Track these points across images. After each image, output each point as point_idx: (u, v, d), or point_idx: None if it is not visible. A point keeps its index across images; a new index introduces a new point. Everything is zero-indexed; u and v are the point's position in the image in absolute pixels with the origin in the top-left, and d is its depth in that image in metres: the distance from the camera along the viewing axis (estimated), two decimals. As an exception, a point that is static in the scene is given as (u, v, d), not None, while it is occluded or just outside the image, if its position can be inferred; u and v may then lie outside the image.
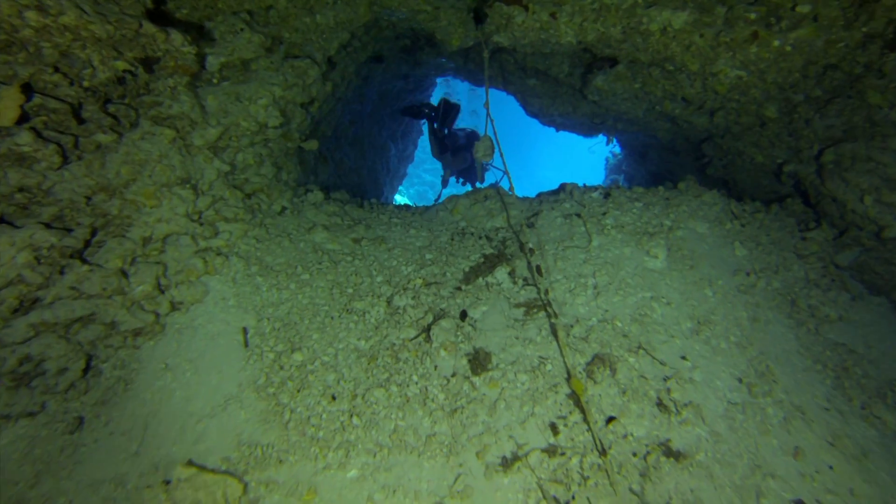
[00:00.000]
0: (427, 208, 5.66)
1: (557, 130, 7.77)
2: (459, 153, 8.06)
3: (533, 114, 7.12)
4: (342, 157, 8.58)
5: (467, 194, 5.34)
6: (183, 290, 3.35)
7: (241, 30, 3.74)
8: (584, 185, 5.36)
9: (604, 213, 4.61)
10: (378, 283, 4.11)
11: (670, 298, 3.90)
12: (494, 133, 4.57)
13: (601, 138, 9.59)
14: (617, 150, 15.02)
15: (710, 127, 5.28)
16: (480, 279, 4.11)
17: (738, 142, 5.22)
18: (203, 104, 3.79)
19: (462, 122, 9.60)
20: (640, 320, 3.73)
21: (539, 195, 5.45)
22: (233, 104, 4.00)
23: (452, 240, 4.73)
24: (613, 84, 5.18)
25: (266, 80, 4.24)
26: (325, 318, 3.78)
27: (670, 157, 8.29)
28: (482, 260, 4.33)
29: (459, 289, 4.06)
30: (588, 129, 7.12)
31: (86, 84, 2.57)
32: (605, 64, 5.27)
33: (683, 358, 3.50)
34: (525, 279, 4.12)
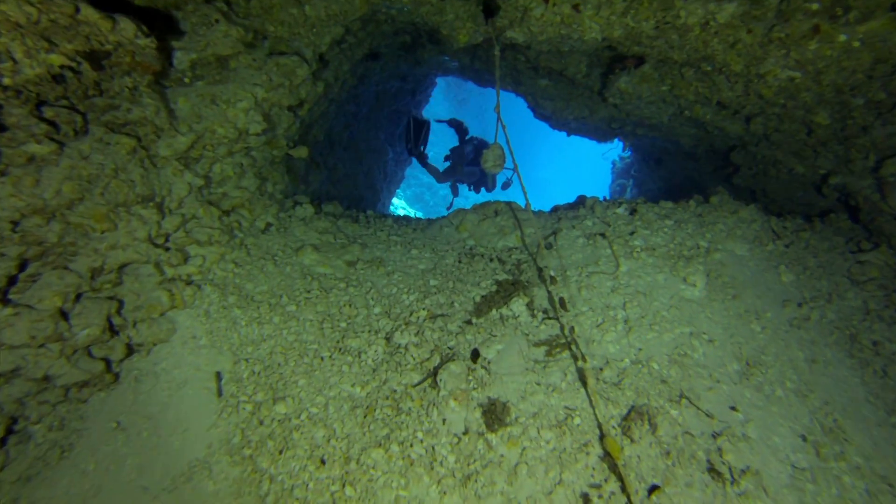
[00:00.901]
0: (430, 223, 5.14)
1: (569, 135, 7.27)
2: (468, 167, 7.58)
3: (544, 117, 6.61)
4: (336, 162, 8.05)
5: (475, 209, 4.82)
6: (143, 330, 2.82)
7: (216, 21, 3.22)
8: (605, 199, 4.85)
9: (631, 233, 4.10)
10: (376, 316, 3.59)
11: (712, 335, 3.39)
12: (507, 141, 4.07)
13: (614, 143, 9.11)
14: (625, 153, 14.57)
15: (743, 134, 4.78)
16: (494, 311, 3.60)
17: (776, 150, 4.72)
18: (172, 108, 3.26)
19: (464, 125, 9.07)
20: (679, 361, 3.22)
21: (556, 210, 4.94)
22: (208, 108, 3.47)
23: (460, 262, 4.21)
24: (638, 86, 4.67)
25: (247, 79, 3.71)
26: (314, 358, 3.25)
27: (688, 164, 7.80)
28: (495, 287, 3.81)
29: (470, 322, 3.54)
30: (603, 135, 6.62)
31: (6, 82, 2.05)
32: (628, 63, 4.76)
33: (733, 409, 2.99)
34: (545, 311, 3.61)
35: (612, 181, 14.31)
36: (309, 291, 3.69)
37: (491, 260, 4.20)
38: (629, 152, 12.80)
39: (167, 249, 3.09)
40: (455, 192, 8.89)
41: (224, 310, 3.36)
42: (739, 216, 4.35)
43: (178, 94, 3.32)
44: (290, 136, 4.56)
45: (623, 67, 4.75)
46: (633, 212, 4.38)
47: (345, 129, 8.06)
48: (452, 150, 8.01)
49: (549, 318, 3.52)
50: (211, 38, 3.23)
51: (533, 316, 3.55)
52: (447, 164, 8.11)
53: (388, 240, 4.58)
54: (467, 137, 8.14)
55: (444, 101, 35.47)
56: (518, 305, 3.58)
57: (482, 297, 3.76)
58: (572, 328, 3.25)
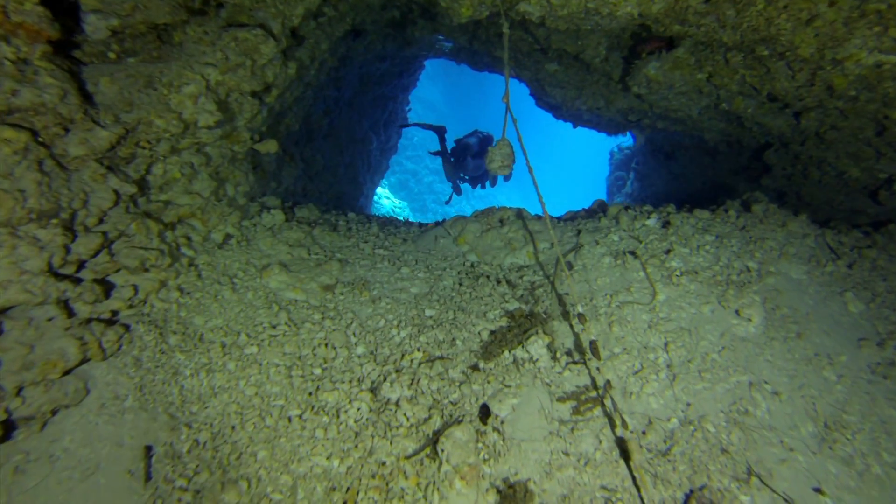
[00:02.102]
0: (422, 231, 4.43)
1: (575, 126, 6.58)
2: (473, 161, 7.11)
3: (550, 106, 5.92)
4: (314, 154, 7.27)
5: (477, 216, 4.12)
6: (34, 396, 2.08)
7: (148, -22, 2.44)
8: (626, 205, 4.19)
9: (667, 251, 3.44)
10: (359, 359, 2.88)
11: (777, 385, 2.76)
12: (519, 139, 3.36)
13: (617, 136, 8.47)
14: (625, 143, 13.91)
15: (788, 131, 4.14)
16: (506, 352, 2.92)
17: (826, 151, 4.09)
18: (89, 91, 2.49)
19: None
20: (740, 422, 2.59)
21: (572, 218, 4.26)
22: (142, 92, 2.70)
23: (461, 285, 3.52)
24: (670, 74, 3.99)
25: (196, 57, 2.94)
26: (280, 420, 2.55)
27: (704, 160, 7.18)
28: (506, 320, 3.13)
29: (477, 368, 2.86)
30: (616, 128, 5.96)
31: None
32: (655, 46, 4.07)
33: (818, 491, 2.37)
34: (569, 352, 2.94)
35: (610, 173, 13.66)
36: (275, 326, 2.97)
37: (498, 282, 3.51)
38: (632, 142, 12.15)
39: (78, 282, 2.34)
40: (458, 191, 8.34)
41: (162, 355, 2.63)
42: (790, 230, 3.72)
43: (100, 74, 2.55)
44: (256, 128, 3.80)
45: (652, 51, 4.06)
46: (665, 224, 3.72)
47: (324, 116, 7.27)
48: (457, 144, 7.46)
49: (575, 363, 2.86)
50: (140, 0, 2.46)
51: (555, 359, 2.88)
52: (451, 160, 7.63)
53: (373, 254, 3.87)
54: (471, 132, 7.66)
55: (431, 86, 34.50)
56: (536, 346, 2.90)
57: (490, 332, 3.08)
58: (607, 382, 2.59)
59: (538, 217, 4.11)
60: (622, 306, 3.12)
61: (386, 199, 25.58)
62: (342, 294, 3.33)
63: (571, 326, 2.99)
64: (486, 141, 7.45)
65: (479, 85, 37.99)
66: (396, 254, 3.92)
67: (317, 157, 7.37)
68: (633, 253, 3.45)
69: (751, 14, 2.97)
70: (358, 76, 8.19)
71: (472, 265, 3.79)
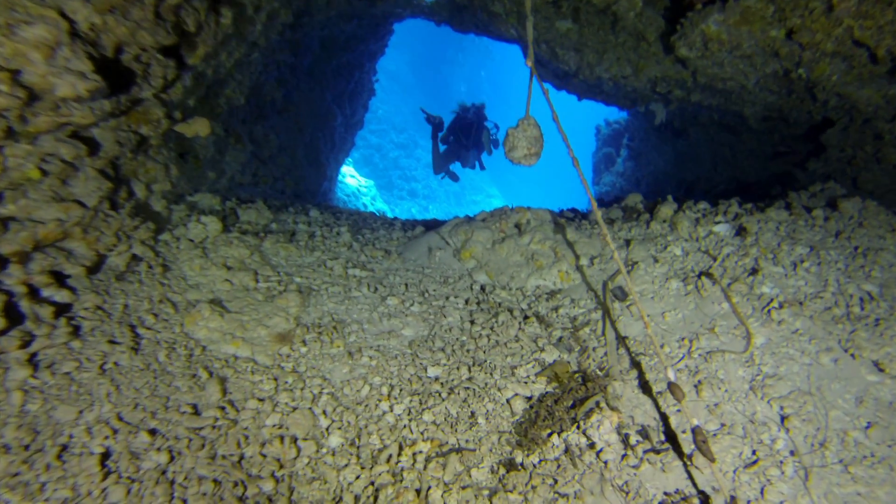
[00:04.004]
0: (411, 237, 3.44)
1: (581, 99, 5.62)
2: (468, 139, 6.83)
3: (557, 75, 4.93)
4: (267, 133, 6.10)
5: (485, 220, 3.15)
6: None
7: None
8: (688, 205, 3.28)
9: (752, 271, 2.55)
10: (332, 458, 1.90)
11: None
12: (553, 115, 2.39)
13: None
14: (612, 117, 13.03)
15: (878, 102, 3.29)
16: (555, 437, 1.99)
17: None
18: None
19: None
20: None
21: (611, 221, 3.31)
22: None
23: (472, 322, 2.56)
24: (737, 30, 3.07)
25: (56, -15, 1.84)
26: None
27: (723, 138, 6.35)
28: (544, 379, 2.20)
29: (513, 464, 1.92)
30: (635, 101, 5.02)
31: None
32: (711, -6, 3.13)
33: None
34: (642, 430, 2.03)
35: (597, 150, 12.79)
36: (199, 412, 1.95)
37: (525, 318, 2.56)
38: (622, 116, 11.27)
39: None
40: (455, 178, 7.87)
41: None
42: (897, 235, 2.89)
43: None
44: (176, 102, 2.70)
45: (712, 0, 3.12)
46: (739, 231, 2.83)
47: (278, 86, 6.09)
48: (453, 124, 7.12)
49: (656, 451, 1.95)
50: None
51: (628, 446, 1.96)
52: (444, 145, 6.97)
53: (346, 276, 2.86)
54: (467, 105, 7.31)
55: (398, 56, 32.85)
56: (601, 428, 1.98)
57: (525, 400, 2.14)
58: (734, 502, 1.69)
59: (565, 218, 3.17)
60: (709, 357, 2.22)
61: (351, 178, 24.17)
62: (304, 345, 2.32)
63: (655, 402, 2.07)
64: (480, 113, 6.77)
65: (449, 56, 36.48)
66: (378, 274, 2.92)
67: (270, 136, 6.21)
68: (707, 275, 2.54)
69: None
70: (319, 39, 6.99)
71: (482, 290, 2.83)
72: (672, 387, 1.84)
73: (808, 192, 3.64)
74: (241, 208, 3.36)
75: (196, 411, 1.93)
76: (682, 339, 2.33)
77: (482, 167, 7.74)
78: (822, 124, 4.48)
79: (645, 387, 2.17)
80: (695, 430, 1.77)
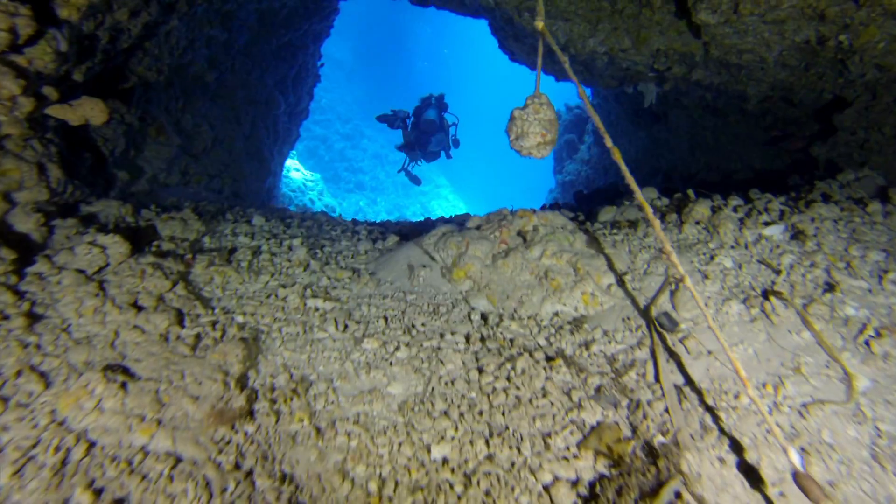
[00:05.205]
0: (383, 251, 2.77)
1: (558, 80, 5.06)
2: (436, 137, 6.52)
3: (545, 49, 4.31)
4: (199, 122, 5.22)
5: (480, 228, 2.52)
6: None
7: None
8: (727, 204, 2.76)
9: (827, 287, 2.04)
10: None
11: None
12: (583, 94, 1.78)
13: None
14: (573, 101, 12.62)
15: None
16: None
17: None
18: None
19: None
20: None
21: (612, 221, 2.74)
22: None
23: (481, 371, 1.93)
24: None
25: None
26: None
27: (707, 121, 5.95)
28: (590, 453, 1.60)
29: None
30: (622, 80, 4.49)
31: None
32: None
33: None
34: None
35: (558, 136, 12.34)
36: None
37: (549, 359, 1.95)
38: (580, 100, 10.75)
39: None
40: (417, 181, 7.61)
41: None
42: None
43: None
44: (49, 73, 1.91)
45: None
46: (796, 234, 2.32)
47: (209, 67, 5.22)
48: (416, 116, 6.78)
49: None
50: None
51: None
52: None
53: (304, 310, 2.16)
54: (424, 96, 6.95)
55: (341, 42, 31.51)
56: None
57: (570, 486, 1.54)
58: None
59: (566, 217, 2.58)
60: (805, 411, 1.68)
61: (296, 172, 22.96)
62: (252, 422, 1.63)
63: (762, 493, 1.50)
64: (442, 106, 6.29)
65: (395, 41, 35.42)
66: (347, 305, 2.24)
67: (202, 127, 5.33)
68: (775, 293, 2.01)
69: None
70: (256, 14, 6.12)
71: (485, 320, 2.20)
72: (802, 481, 1.28)
73: (838, 181, 3.21)
74: (160, 220, 2.59)
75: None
76: (763, 384, 1.78)
77: (448, 156, 7.16)
78: (831, 105, 4.09)
79: (733, 457, 1.61)
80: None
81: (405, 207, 24.91)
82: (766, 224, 2.39)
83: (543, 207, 6.62)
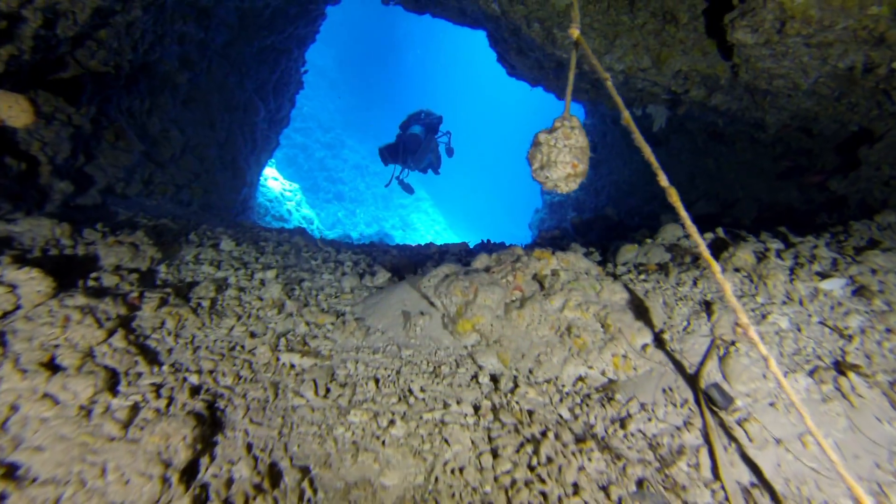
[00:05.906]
0: (371, 290, 2.38)
1: (544, 89, 4.76)
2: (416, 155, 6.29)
3: (555, 62, 4.00)
4: (167, 127, 4.77)
5: (490, 271, 2.16)
6: None
7: None
8: (770, 249, 2.45)
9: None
10: None
11: None
12: (625, 117, 1.45)
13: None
14: (555, 114, 12.38)
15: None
16: None
17: None
18: None
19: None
20: None
21: (636, 263, 2.40)
22: None
23: (495, 455, 1.55)
24: (830, 5, 2.28)
25: None
26: None
27: (711, 148, 5.73)
28: None
29: None
30: (629, 102, 4.21)
31: None
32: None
33: None
34: None
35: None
36: None
37: (579, 441, 1.59)
38: (583, 119, 10.52)
39: None
40: (410, 190, 7.26)
41: None
42: None
43: None
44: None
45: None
46: (859, 290, 2.01)
47: (181, 67, 4.79)
48: (403, 130, 6.64)
49: None
50: None
51: None
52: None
53: (276, 367, 1.76)
54: (415, 112, 6.84)
55: (325, 50, 31.12)
56: None
57: None
58: None
59: (600, 264, 2.23)
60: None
61: (274, 181, 22.38)
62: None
63: None
64: (432, 126, 6.09)
65: (381, 53, 35.17)
66: (330, 362, 1.85)
67: (171, 131, 4.89)
68: (852, 367, 1.68)
69: None
70: (237, 13, 5.73)
71: (496, 384, 1.83)
72: None
73: (876, 222, 2.94)
74: (104, 244, 2.16)
75: None
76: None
77: (436, 172, 6.89)
78: (854, 137, 3.87)
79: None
80: None
81: (384, 220, 24.44)
82: (821, 275, 2.08)
83: (541, 234, 6.31)
